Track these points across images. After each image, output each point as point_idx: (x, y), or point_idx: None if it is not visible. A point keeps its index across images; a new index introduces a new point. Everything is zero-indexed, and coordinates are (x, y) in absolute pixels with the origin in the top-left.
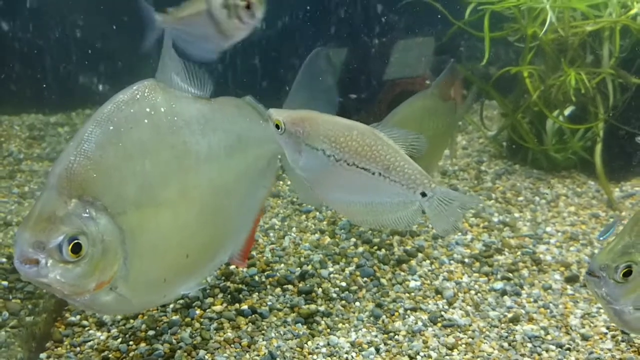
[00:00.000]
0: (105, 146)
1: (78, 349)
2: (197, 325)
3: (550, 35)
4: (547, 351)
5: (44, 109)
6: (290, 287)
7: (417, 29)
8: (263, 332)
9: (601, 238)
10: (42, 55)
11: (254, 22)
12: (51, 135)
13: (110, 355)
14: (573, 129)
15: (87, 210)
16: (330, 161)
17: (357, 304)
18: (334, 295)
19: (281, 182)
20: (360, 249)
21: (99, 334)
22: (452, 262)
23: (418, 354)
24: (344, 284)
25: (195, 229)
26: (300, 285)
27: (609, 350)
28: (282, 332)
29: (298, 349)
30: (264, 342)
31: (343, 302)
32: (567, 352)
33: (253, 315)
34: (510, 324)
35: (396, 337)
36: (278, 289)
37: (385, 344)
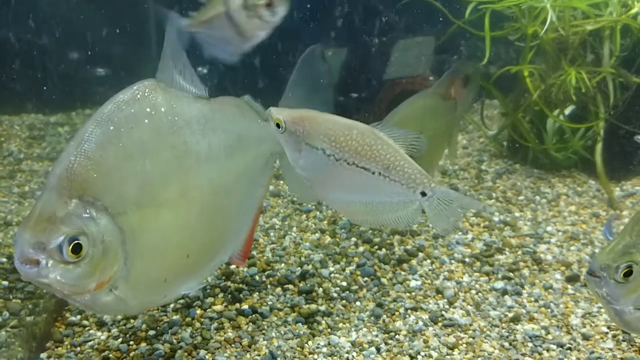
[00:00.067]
0: (105, 146)
1: (78, 348)
2: (197, 325)
3: (550, 34)
4: (548, 351)
5: (44, 108)
6: (290, 286)
7: (417, 28)
8: (264, 331)
9: (611, 238)
10: (42, 55)
11: (275, 20)
12: (51, 135)
13: (110, 355)
14: (574, 128)
15: (88, 211)
16: (330, 160)
17: (358, 303)
18: (335, 294)
19: (281, 182)
20: (361, 249)
21: (99, 333)
22: (452, 261)
23: (419, 353)
24: (344, 283)
25: (196, 229)
26: (301, 284)
27: (610, 349)
28: (282, 332)
29: (299, 348)
30: (265, 342)
31: (344, 301)
32: (568, 351)
33: (254, 315)
34: (511, 323)
35: (397, 336)
36: (278, 289)
37: (386, 344)
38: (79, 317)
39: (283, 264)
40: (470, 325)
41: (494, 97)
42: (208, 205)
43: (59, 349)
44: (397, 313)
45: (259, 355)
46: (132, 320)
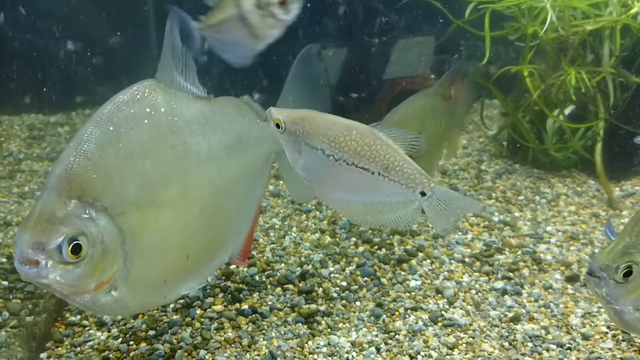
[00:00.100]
0: (105, 147)
1: (78, 349)
2: (197, 325)
3: (550, 34)
4: (547, 350)
5: (44, 108)
6: (290, 286)
7: (417, 28)
8: (263, 331)
9: (613, 237)
10: (42, 55)
11: (289, 18)
12: (51, 135)
13: (110, 355)
14: (573, 128)
15: (87, 211)
16: (330, 161)
17: (358, 303)
18: (335, 294)
19: (281, 182)
20: (361, 249)
21: (99, 334)
22: (452, 261)
23: (419, 353)
24: (344, 283)
25: (196, 229)
26: (301, 284)
27: (610, 349)
28: (282, 332)
29: (299, 348)
30: (265, 342)
31: (343, 301)
32: (568, 351)
33: (253, 315)
34: (511, 323)
35: (397, 336)
36: (278, 289)
37: (386, 344)
38: (78, 317)
39: (283, 264)
40: (470, 325)
41: (494, 97)
42: (208, 206)
43: (59, 349)
44: (397, 313)
45: (258, 355)
46: (132, 320)
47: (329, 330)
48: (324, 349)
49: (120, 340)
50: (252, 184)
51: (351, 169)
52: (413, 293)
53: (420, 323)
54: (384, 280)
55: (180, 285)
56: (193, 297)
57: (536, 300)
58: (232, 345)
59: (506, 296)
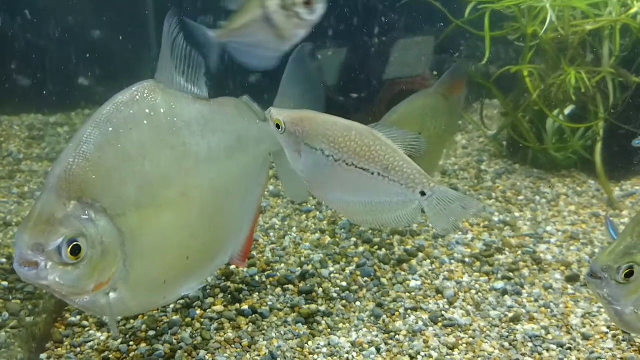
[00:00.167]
0: (104, 147)
1: (78, 349)
2: (197, 325)
3: (550, 34)
4: (548, 351)
5: (44, 109)
6: (290, 287)
7: (416, 28)
8: (264, 332)
9: (616, 237)
10: (41, 55)
11: (314, 18)
12: (51, 135)
13: (110, 356)
14: (573, 128)
15: (87, 212)
16: (329, 161)
17: (358, 303)
18: (335, 295)
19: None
20: (361, 249)
21: (99, 334)
22: (452, 261)
23: (419, 353)
24: (344, 283)
25: (196, 230)
26: (301, 285)
27: (610, 349)
28: (282, 332)
29: (299, 349)
30: (265, 342)
31: (344, 301)
32: (568, 351)
33: (254, 315)
34: (511, 323)
35: (397, 336)
36: (278, 289)
37: (386, 344)
38: (78, 317)
39: (283, 264)
40: (470, 325)
41: (493, 97)
42: (208, 206)
43: (59, 349)
44: (397, 313)
45: (259, 355)
46: (132, 321)
47: (329, 330)
48: (324, 349)
49: (120, 340)
50: (252, 185)
51: (351, 170)
52: (413, 293)
53: (421, 323)
54: (384, 280)
55: (180, 286)
56: (193, 298)
57: (536, 300)
58: (232, 345)
59: (506, 296)
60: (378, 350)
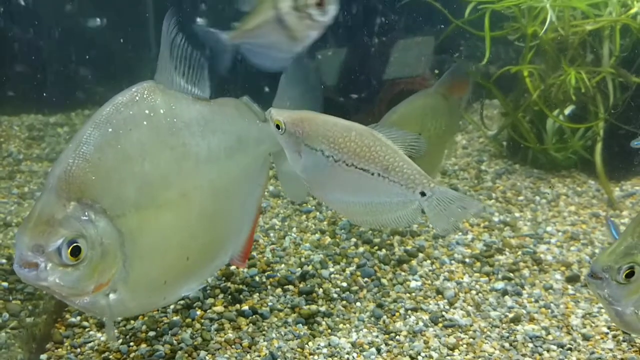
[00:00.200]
0: (104, 148)
1: (78, 350)
2: (197, 326)
3: (550, 34)
4: (548, 351)
5: (44, 109)
6: (290, 287)
7: (416, 28)
8: (264, 332)
9: (617, 237)
10: (41, 56)
11: (326, 19)
12: (50, 135)
13: (110, 357)
14: (573, 128)
15: (86, 213)
16: (329, 162)
17: (358, 304)
18: (335, 295)
19: None
20: (361, 249)
21: (99, 335)
22: (452, 262)
23: (419, 354)
24: (344, 284)
25: (196, 230)
26: (301, 285)
27: (610, 350)
28: (283, 333)
29: (299, 349)
30: (265, 343)
31: (344, 302)
32: (569, 352)
33: (254, 316)
34: (512, 324)
35: (397, 337)
36: (279, 290)
37: (386, 345)
38: (78, 318)
39: (283, 265)
40: (471, 325)
41: (493, 97)
42: (208, 207)
43: (59, 350)
44: (397, 314)
45: (259, 356)
46: (132, 322)
47: (329, 331)
48: (325, 350)
49: (120, 341)
50: (252, 185)
51: (351, 170)
52: (413, 294)
53: (421, 324)
54: (384, 280)
55: (180, 287)
56: (193, 298)
57: (536, 301)
58: (233, 346)
59: (506, 297)
60: (378, 350)
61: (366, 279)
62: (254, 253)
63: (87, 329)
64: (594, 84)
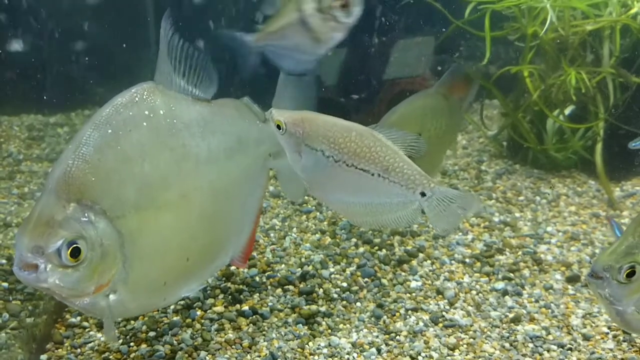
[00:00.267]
0: (103, 149)
1: (79, 350)
2: (198, 326)
3: (550, 34)
4: (548, 351)
5: (44, 109)
6: (291, 287)
7: (416, 28)
8: (264, 332)
9: (619, 234)
10: (41, 56)
11: (350, 20)
12: (50, 135)
13: (110, 357)
14: (573, 128)
15: (86, 214)
16: (330, 162)
17: (358, 304)
18: (335, 295)
19: None
20: (361, 249)
21: (99, 335)
22: (453, 262)
23: (419, 354)
24: (345, 284)
25: (196, 231)
26: (301, 285)
27: (611, 350)
28: (283, 333)
29: (299, 349)
30: (265, 343)
31: (344, 302)
32: (569, 352)
33: (254, 316)
34: (512, 324)
35: (397, 337)
36: (279, 290)
37: (387, 345)
38: (79, 318)
39: (283, 265)
40: (471, 325)
41: (493, 97)
42: (207, 208)
43: (59, 350)
44: (397, 314)
45: (259, 356)
46: (132, 322)
47: (329, 331)
48: (325, 350)
49: (120, 341)
50: (252, 186)
51: (351, 170)
52: (414, 294)
53: (421, 324)
54: (384, 281)
55: (180, 288)
56: (193, 298)
57: (537, 301)
58: (233, 346)
59: (507, 297)
60: (379, 350)
61: (366, 279)
62: (254, 253)
63: (87, 330)
64: (594, 84)
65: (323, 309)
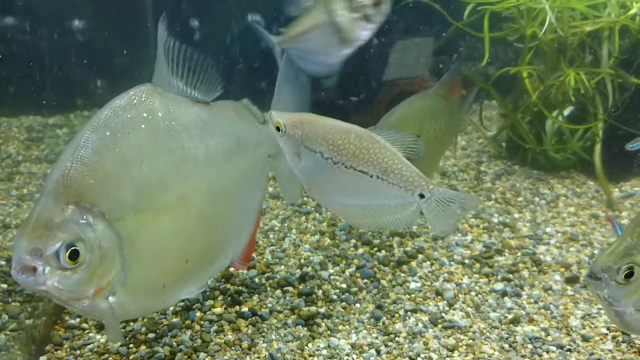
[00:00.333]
0: (102, 152)
1: (78, 352)
2: (197, 327)
3: (549, 35)
4: (547, 352)
5: (43, 110)
6: (290, 289)
7: (416, 29)
8: (263, 334)
9: (620, 232)
10: (40, 57)
11: (381, 18)
12: (49, 137)
13: (110, 359)
14: (572, 129)
15: (85, 217)
16: (328, 164)
17: (358, 305)
18: (334, 296)
19: None
20: (361, 251)
21: (99, 336)
22: (452, 263)
23: (419, 355)
24: (344, 285)
25: (194, 233)
26: (301, 287)
27: (610, 351)
28: (282, 334)
29: (298, 351)
30: (265, 345)
31: (343, 303)
32: (568, 353)
33: (253, 318)
34: (511, 325)
35: (397, 338)
36: (278, 291)
37: (386, 346)
38: (78, 320)
39: (283, 266)
40: (470, 327)
41: (492, 98)
42: (206, 210)
43: (59, 352)
44: (397, 315)
45: (258, 357)
46: (131, 323)
47: (329, 332)
48: (324, 351)
49: (119, 343)
50: (251, 188)
51: (349, 172)
52: (413, 295)
53: (420, 325)
54: (383, 282)
55: (179, 290)
56: (193, 300)
57: (536, 302)
58: (232, 347)
59: (506, 298)
60: (378, 352)
61: (366, 280)
62: (254, 254)
63: (86, 331)
64: (593, 85)
65: (322, 310)
